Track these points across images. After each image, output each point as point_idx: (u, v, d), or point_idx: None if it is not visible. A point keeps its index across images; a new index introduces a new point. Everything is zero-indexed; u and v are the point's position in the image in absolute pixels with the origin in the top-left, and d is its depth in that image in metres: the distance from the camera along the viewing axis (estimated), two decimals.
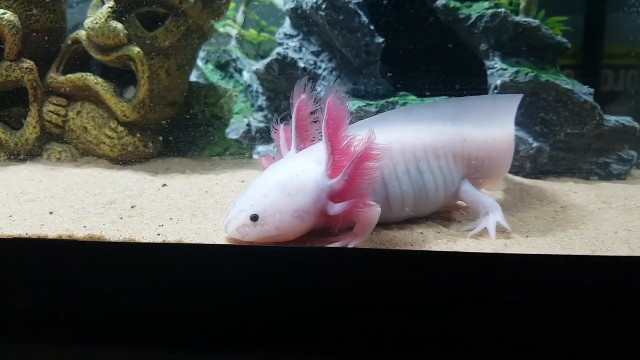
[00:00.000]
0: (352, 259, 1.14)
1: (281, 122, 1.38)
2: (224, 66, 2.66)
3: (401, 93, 2.01)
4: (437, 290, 1.10)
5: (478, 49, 1.95)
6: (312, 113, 1.32)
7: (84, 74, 1.94)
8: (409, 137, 1.36)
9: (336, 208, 1.17)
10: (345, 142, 1.18)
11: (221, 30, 2.72)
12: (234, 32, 2.76)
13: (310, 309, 1.12)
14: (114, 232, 1.22)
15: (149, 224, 1.29)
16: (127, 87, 2.14)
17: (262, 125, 2.33)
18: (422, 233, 1.32)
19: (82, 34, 1.94)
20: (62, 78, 1.97)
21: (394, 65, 2.12)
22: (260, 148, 2.24)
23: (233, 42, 2.77)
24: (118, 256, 1.15)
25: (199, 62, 2.58)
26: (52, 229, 1.23)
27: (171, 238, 1.20)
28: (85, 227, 1.24)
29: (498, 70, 1.89)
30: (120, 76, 1.99)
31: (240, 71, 2.62)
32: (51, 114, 1.97)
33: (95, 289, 1.13)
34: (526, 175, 1.87)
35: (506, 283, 1.09)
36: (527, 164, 1.88)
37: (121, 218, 1.33)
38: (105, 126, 1.96)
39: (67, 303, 1.14)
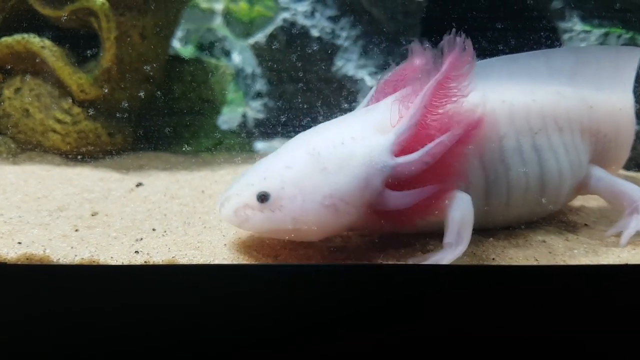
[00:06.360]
0: (447, 281, 0.84)
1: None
2: (208, 48, 2.37)
3: None
4: (591, 322, 0.82)
5: (547, 8, 1.70)
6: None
7: (25, 35, 1.59)
8: (520, 97, 1.03)
9: (396, 199, 0.86)
10: (443, 112, 0.88)
11: (204, 5, 2.30)
12: (219, 7, 2.50)
13: None
14: (66, 250, 0.93)
15: (119, 238, 1.01)
16: (87, 64, 1.66)
17: (261, 116, 2.09)
18: (544, 242, 1.01)
19: None
20: None
21: (438, 30, 1.74)
22: (260, 145, 1.97)
23: (219, 20, 2.50)
24: (72, 285, 0.85)
25: (176, 44, 2.13)
26: None
27: (158, 258, 0.90)
28: (20, 243, 0.97)
29: (579, 33, 1.63)
30: (79, 45, 1.64)
31: (228, 54, 2.24)
32: None
33: (34, 337, 0.82)
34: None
35: None
36: None
37: (77, 230, 1.05)
38: (56, 107, 1.60)
39: None
